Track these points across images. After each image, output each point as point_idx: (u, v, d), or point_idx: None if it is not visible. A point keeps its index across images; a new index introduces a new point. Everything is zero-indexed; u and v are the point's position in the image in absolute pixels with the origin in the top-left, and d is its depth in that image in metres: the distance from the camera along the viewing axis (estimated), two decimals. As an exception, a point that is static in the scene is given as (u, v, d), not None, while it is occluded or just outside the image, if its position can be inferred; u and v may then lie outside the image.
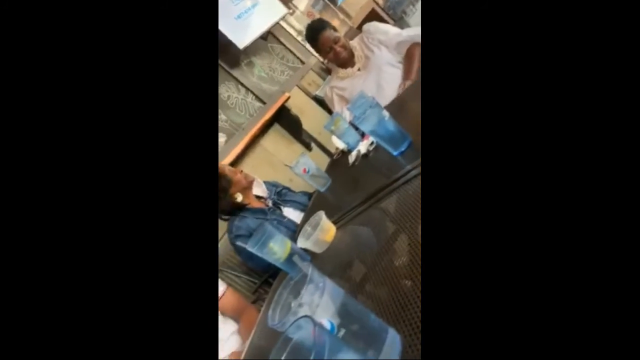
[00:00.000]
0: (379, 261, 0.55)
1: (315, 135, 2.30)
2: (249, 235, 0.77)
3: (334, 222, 0.79)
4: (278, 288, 0.42)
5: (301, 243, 0.75)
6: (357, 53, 1.52)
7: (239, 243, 1.13)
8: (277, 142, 2.16)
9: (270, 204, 1.28)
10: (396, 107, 1.20)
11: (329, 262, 0.71)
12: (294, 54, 2.50)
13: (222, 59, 2.04)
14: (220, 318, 0.99)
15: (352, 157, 1.06)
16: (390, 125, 0.75)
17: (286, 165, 1.11)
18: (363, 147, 1.02)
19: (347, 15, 3.06)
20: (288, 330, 0.31)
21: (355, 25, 2.79)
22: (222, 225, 1.27)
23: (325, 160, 1.87)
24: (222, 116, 1.98)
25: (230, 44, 1.94)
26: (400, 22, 2.79)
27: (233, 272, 1.28)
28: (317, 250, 0.76)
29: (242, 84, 2.12)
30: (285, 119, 2.19)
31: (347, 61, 1.52)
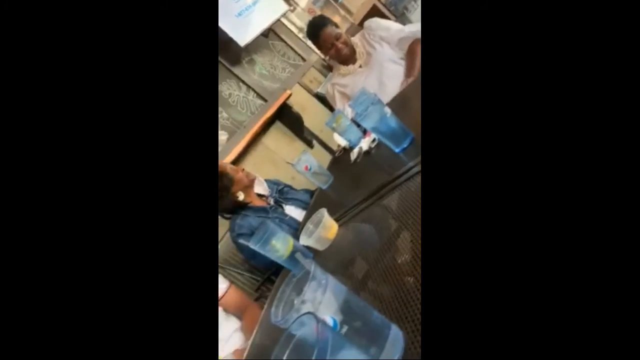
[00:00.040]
0: (381, 258, 0.55)
1: (316, 132, 2.29)
2: (251, 234, 0.78)
3: (336, 220, 0.79)
4: (281, 285, 0.42)
5: (303, 240, 0.75)
6: (359, 50, 1.51)
7: (241, 241, 1.13)
8: (278, 140, 2.16)
9: (271, 202, 1.28)
10: (398, 103, 1.19)
11: (331, 260, 0.71)
12: (295, 51, 2.49)
13: (223, 57, 2.03)
14: (223, 315, 1.00)
15: (354, 154, 1.06)
16: (392, 122, 0.75)
17: (288, 162, 1.11)
18: (365, 144, 1.02)
19: (348, 11, 3.04)
20: (291, 326, 0.31)
21: (357, 22, 2.77)
22: (224, 224, 1.27)
23: (327, 158, 1.87)
24: (223, 114, 1.98)
25: (231, 41, 1.94)
26: (402, 18, 2.78)
27: (236, 270, 1.28)
28: (319, 247, 0.76)
29: (243, 82, 2.12)
30: (286, 117, 2.19)
31: (348, 58, 1.51)
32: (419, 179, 0.62)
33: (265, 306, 0.88)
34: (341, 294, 0.36)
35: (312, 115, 2.29)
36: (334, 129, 1.12)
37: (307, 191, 1.41)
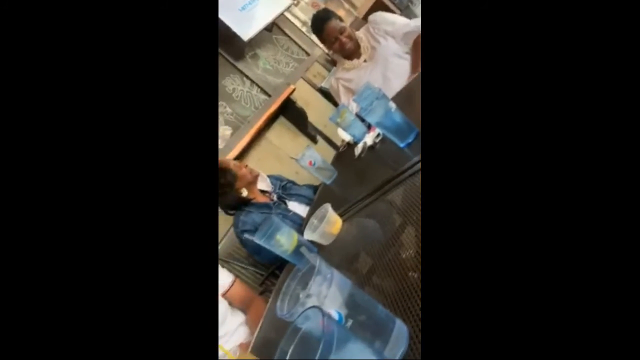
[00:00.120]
0: (386, 253, 0.55)
1: (320, 127, 2.29)
2: (254, 230, 0.78)
3: (340, 215, 0.79)
4: (286, 279, 0.43)
5: (308, 235, 0.76)
6: (363, 44, 1.50)
7: (246, 236, 1.14)
8: (282, 135, 2.16)
9: (275, 198, 1.29)
10: (403, 98, 1.18)
11: (336, 254, 0.71)
12: (299, 46, 2.48)
13: (226, 52, 2.03)
14: (229, 309, 1.01)
15: (358, 149, 1.05)
16: (397, 116, 0.75)
17: (292, 158, 1.11)
18: (369, 139, 1.02)
19: (353, 5, 3.01)
20: (297, 320, 0.31)
21: (361, 16, 2.74)
22: (228, 219, 1.28)
23: (330, 153, 1.87)
24: (227, 109, 1.98)
25: (234, 36, 1.93)
26: (407, 12, 2.74)
27: (240, 264, 1.29)
28: (323, 242, 0.76)
29: (247, 77, 2.12)
30: (290, 112, 2.18)
31: (353, 52, 1.50)
32: (423, 174, 0.62)
33: (270, 300, 0.89)
34: (346, 288, 0.36)
35: (316, 110, 2.28)
36: (338, 124, 1.12)
37: (310, 186, 1.41)
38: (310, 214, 1.02)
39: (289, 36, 2.45)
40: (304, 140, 2.20)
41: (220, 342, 0.91)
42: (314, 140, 2.23)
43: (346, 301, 0.35)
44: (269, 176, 1.35)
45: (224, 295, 1.02)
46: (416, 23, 1.43)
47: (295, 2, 2.55)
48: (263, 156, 2.02)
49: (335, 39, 1.46)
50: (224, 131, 1.92)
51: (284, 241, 0.73)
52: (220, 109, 1.96)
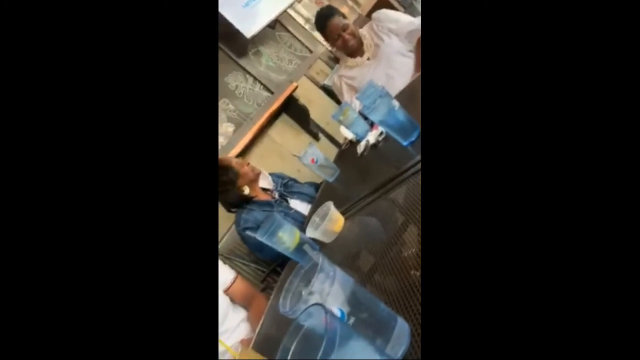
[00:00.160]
0: (388, 252, 0.55)
1: (323, 125, 2.28)
2: (256, 228, 0.79)
3: (342, 213, 0.79)
4: (288, 276, 0.43)
5: (310, 233, 0.76)
6: (367, 42, 1.49)
7: (248, 232, 1.14)
8: (284, 133, 2.16)
9: (276, 196, 1.29)
10: (406, 96, 1.18)
11: (338, 252, 0.71)
12: (302, 43, 2.47)
13: (229, 48, 2.02)
14: (230, 306, 1.01)
15: (360, 148, 1.05)
16: (400, 115, 0.74)
17: (294, 155, 1.11)
18: (372, 137, 1.02)
19: (356, 2, 3.00)
20: (299, 317, 0.31)
21: (364, 13, 2.73)
22: (229, 217, 1.29)
23: (333, 151, 1.87)
24: (230, 106, 1.98)
25: (237, 32, 1.92)
26: (411, 9, 2.72)
27: (241, 261, 1.30)
28: (325, 240, 0.76)
29: (249, 74, 2.11)
30: (293, 109, 2.18)
31: (356, 50, 1.50)
32: (426, 172, 0.62)
33: (272, 297, 0.89)
34: (348, 285, 0.36)
35: (319, 108, 2.28)
36: (340, 122, 1.11)
37: (312, 184, 1.41)
38: (312, 211, 1.02)
39: (291, 33, 2.44)
40: (306, 137, 2.20)
41: (222, 338, 0.92)
42: (316, 137, 2.23)
43: (348, 299, 0.35)
44: (270, 174, 1.35)
45: (226, 291, 1.03)
46: (420, 21, 1.43)
47: (299, -1, 2.55)
48: (265, 153, 2.02)
49: (338, 36, 1.46)
50: (226, 128, 1.92)
51: (286, 238, 0.73)
52: (222, 106, 1.96)
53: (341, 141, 1.51)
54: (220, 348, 0.64)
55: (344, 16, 1.50)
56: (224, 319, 0.96)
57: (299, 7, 2.63)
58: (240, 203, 1.23)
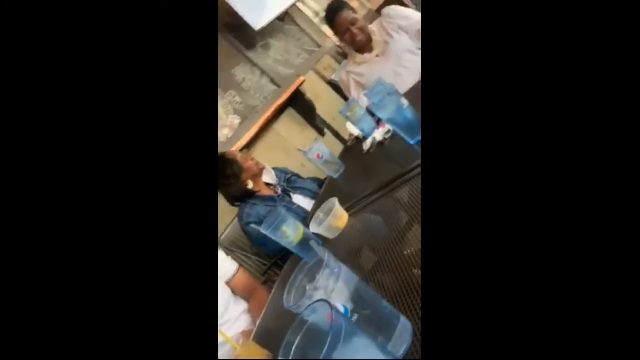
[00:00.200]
0: (391, 250, 0.55)
1: (329, 120, 2.28)
2: (259, 223, 0.79)
3: (347, 210, 0.79)
4: (291, 271, 0.43)
5: (314, 229, 0.76)
6: (376, 38, 1.48)
7: (253, 225, 1.15)
8: (290, 127, 2.16)
9: (279, 191, 1.29)
10: (415, 95, 1.17)
11: (341, 249, 0.71)
12: (311, 37, 2.46)
13: (237, 40, 2.02)
14: (232, 297, 1.02)
15: (367, 145, 1.05)
16: (409, 113, 0.74)
17: (300, 150, 1.11)
18: (379, 134, 1.01)
19: (367, -3, 2.97)
20: (304, 312, 0.32)
21: (375, 8, 2.70)
22: (232, 209, 1.29)
23: (338, 147, 1.86)
24: (236, 98, 1.98)
25: (246, 24, 1.91)
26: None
27: (243, 253, 1.31)
28: (329, 236, 0.77)
29: (257, 66, 2.10)
30: (299, 104, 2.17)
31: (364, 45, 1.48)
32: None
33: (273, 290, 0.90)
34: (352, 282, 0.37)
35: (325, 103, 2.27)
36: (347, 118, 1.11)
37: (315, 180, 1.41)
38: (316, 207, 1.03)
39: (300, 27, 2.42)
40: (311, 132, 2.20)
41: (223, 328, 0.93)
42: (321, 133, 2.22)
43: (352, 296, 0.35)
44: (274, 169, 1.35)
45: (228, 283, 1.04)
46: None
47: (309, -8, 2.52)
48: (270, 147, 2.02)
49: (346, 30, 1.44)
50: (232, 120, 1.92)
51: (290, 233, 0.74)
52: (229, 98, 1.96)
53: (347, 137, 1.51)
54: (221, 339, 0.64)
55: (354, 11, 1.48)
56: (225, 310, 0.97)
57: (308, 0, 2.61)
58: (243, 197, 1.24)
